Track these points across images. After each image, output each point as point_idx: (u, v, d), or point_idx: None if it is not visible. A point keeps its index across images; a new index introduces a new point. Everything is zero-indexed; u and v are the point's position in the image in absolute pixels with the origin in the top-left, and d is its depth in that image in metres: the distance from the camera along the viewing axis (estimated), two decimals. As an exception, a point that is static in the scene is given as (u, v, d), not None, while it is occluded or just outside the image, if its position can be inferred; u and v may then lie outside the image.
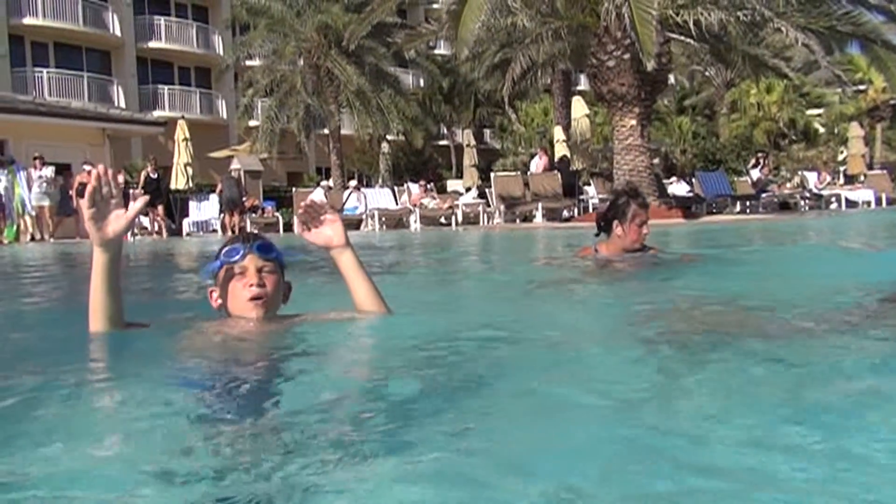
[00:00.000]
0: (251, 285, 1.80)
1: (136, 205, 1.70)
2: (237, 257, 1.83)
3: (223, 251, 1.86)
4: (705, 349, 1.74)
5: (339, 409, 1.31)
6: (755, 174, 16.29)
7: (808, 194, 16.67)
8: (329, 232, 1.92)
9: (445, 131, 28.80)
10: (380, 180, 20.65)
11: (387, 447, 1.04)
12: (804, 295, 2.57)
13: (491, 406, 1.28)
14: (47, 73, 22.52)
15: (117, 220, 1.65)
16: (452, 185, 20.12)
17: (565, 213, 14.93)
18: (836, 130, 27.18)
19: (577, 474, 0.93)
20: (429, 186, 17.03)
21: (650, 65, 10.54)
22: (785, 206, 16.09)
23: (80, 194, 14.26)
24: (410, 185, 17.02)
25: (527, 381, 1.46)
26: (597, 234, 3.56)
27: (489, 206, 15.60)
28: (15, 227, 12.88)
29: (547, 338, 1.95)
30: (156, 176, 14.61)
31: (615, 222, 3.41)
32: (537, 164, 17.10)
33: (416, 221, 14.92)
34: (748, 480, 0.90)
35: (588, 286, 3.21)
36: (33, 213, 12.90)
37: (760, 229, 9.44)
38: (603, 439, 1.08)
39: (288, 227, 15.54)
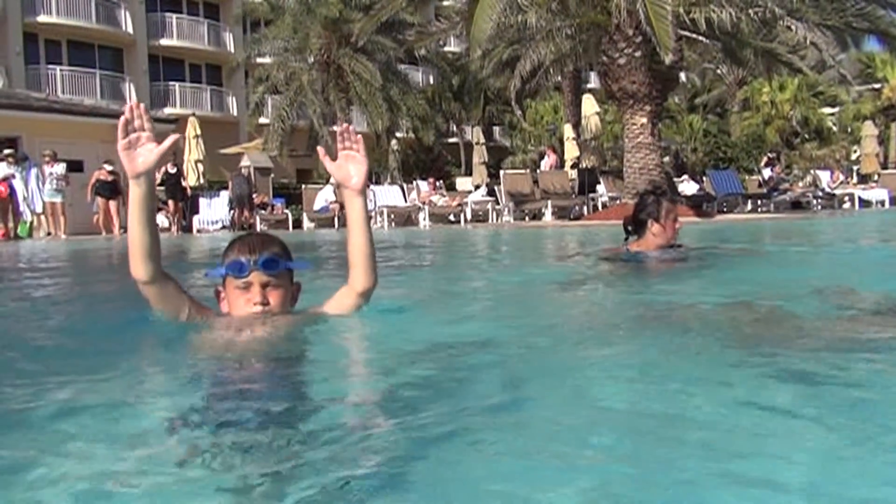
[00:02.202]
0: (255, 303, 1.79)
1: (167, 141, 1.78)
2: (242, 273, 1.79)
3: (228, 261, 1.82)
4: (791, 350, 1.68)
5: (345, 406, 1.31)
6: (767, 173, 16.18)
7: (820, 193, 16.51)
8: (351, 169, 1.89)
9: (455, 129, 28.76)
10: (389, 177, 20.66)
11: (391, 447, 1.03)
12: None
13: (515, 407, 1.25)
14: (60, 70, 22.70)
15: (149, 153, 1.74)
16: (462, 182, 20.09)
17: (576, 210, 14.89)
18: (849, 129, 26.92)
19: (591, 479, 0.91)
20: (438, 184, 17.05)
21: (668, 59, 10.46)
22: (797, 205, 15.94)
23: (98, 192, 14.19)
24: (420, 182, 17.03)
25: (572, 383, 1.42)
26: (626, 239, 3.52)
27: (498, 203, 15.58)
28: (28, 224, 12.99)
29: (606, 335, 1.91)
30: (174, 171, 14.65)
31: (650, 221, 3.41)
32: (546, 162, 17.13)
33: (425, 219, 14.94)
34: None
35: (645, 283, 3.12)
36: (38, 211, 12.95)
37: (778, 228, 9.28)
38: (623, 443, 1.05)
39: (297, 223, 15.59)
